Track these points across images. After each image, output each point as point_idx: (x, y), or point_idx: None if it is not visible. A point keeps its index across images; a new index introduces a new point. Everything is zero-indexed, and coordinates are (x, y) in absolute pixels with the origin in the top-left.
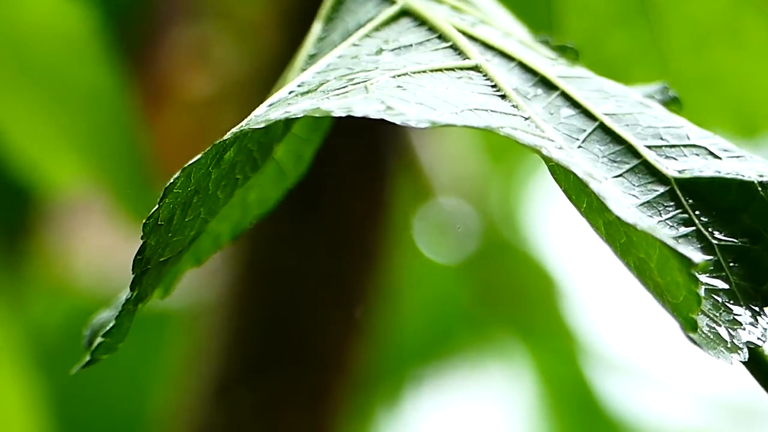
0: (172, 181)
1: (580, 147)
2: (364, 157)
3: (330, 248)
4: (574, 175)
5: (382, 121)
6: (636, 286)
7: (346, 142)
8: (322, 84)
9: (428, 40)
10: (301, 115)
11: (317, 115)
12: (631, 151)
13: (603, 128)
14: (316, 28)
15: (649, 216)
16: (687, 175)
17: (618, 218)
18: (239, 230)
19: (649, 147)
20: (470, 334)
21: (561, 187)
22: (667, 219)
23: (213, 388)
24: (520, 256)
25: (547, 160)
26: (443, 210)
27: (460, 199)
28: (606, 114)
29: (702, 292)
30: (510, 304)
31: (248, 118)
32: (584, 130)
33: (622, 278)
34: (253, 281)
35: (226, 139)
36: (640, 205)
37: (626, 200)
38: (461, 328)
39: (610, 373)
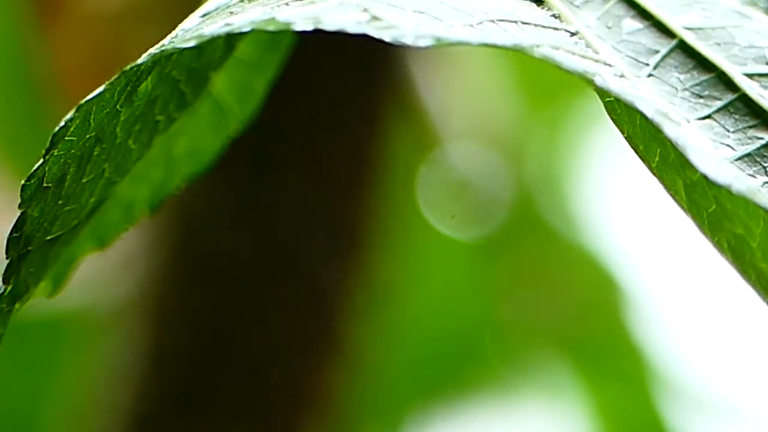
0: (62, 124)
1: (650, 75)
2: (343, 95)
3: (295, 227)
4: (642, 115)
5: (366, 39)
6: (730, 276)
7: (318, 72)
8: None
9: None
10: (249, 29)
11: (271, 28)
12: (723, 81)
13: (684, 48)
14: None
15: (751, 175)
16: None
17: (705, 178)
18: (161, 197)
19: (750, 75)
20: (499, 352)
21: (623, 134)
22: None
23: (125, 426)
24: (568, 245)
25: (603, 93)
26: (458, 170)
27: (484, 155)
28: (688, 28)
29: None
30: (555, 311)
31: (173, 33)
32: (657, 51)
33: (709, 275)
34: (182, 275)
35: (141, 64)
36: (738, 158)
37: (717, 152)
38: (486, 343)
39: (688, 407)
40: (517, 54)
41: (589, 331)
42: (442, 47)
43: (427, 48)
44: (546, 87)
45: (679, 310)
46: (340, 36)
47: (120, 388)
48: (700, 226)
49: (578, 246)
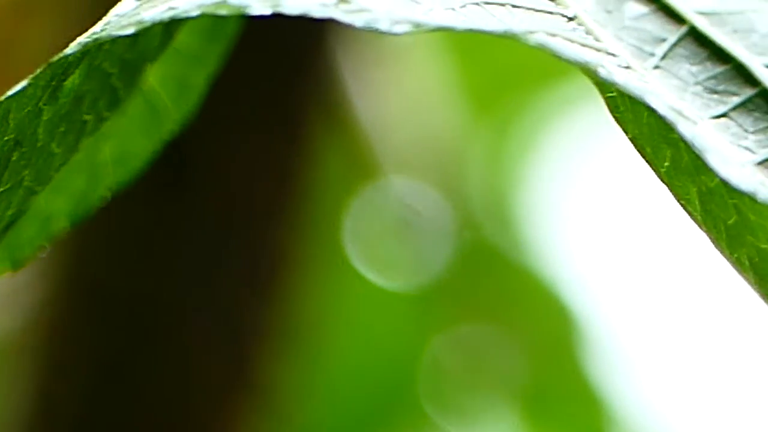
0: None
1: (657, 67)
2: (263, 107)
3: (205, 258)
4: (651, 112)
5: (288, 40)
6: (695, 307)
7: (234, 79)
8: None
9: None
10: (197, 13)
11: (223, 12)
12: (741, 74)
13: (695, 36)
14: None
15: None
16: None
17: (725, 184)
18: (83, 209)
19: None
20: (437, 400)
21: (627, 134)
22: None
23: None
24: (517, 273)
25: (604, 88)
26: (395, 200)
27: (423, 183)
28: (700, 12)
29: None
30: (503, 349)
31: (104, 20)
32: (664, 40)
33: (673, 306)
34: (74, 310)
35: (69, 55)
36: (759, 163)
37: (737, 154)
38: (420, 392)
39: None
40: (459, 55)
41: (540, 372)
42: (420, 32)
43: (403, 34)
44: (489, 90)
45: (641, 348)
46: (264, 36)
47: None
48: (717, 240)
49: (528, 271)
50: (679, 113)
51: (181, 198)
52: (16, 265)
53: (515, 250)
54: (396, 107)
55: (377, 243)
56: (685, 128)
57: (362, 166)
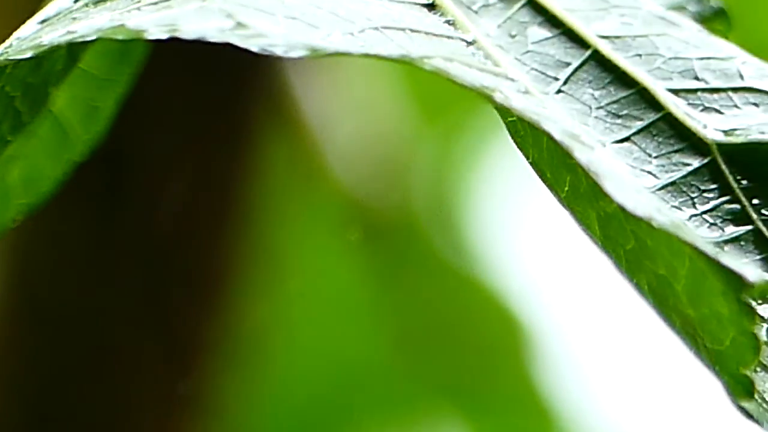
0: None
1: (560, 92)
2: (208, 108)
3: (148, 262)
4: (549, 136)
5: (232, 49)
6: (650, 323)
7: (177, 78)
8: None
9: None
10: (94, 37)
11: (120, 37)
12: (645, 98)
13: (599, 60)
14: None
15: (676, 207)
16: (738, 138)
17: (622, 209)
18: None
19: (676, 92)
20: (381, 408)
21: (528, 159)
22: (704, 212)
23: None
24: (463, 280)
25: (505, 112)
26: (341, 203)
27: (370, 185)
28: (604, 36)
29: (763, 333)
30: (447, 357)
31: (6, 43)
32: (568, 64)
33: (624, 314)
34: (11, 322)
35: None
36: (661, 187)
37: (637, 180)
38: (369, 397)
39: None
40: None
41: (486, 381)
42: (317, 58)
43: (299, 58)
44: (438, 97)
45: (589, 356)
46: (203, 45)
47: None
48: (618, 264)
49: (475, 281)
50: (576, 138)
51: (120, 207)
52: None
53: (461, 258)
54: (343, 112)
55: (325, 230)
56: (581, 154)
57: (308, 170)
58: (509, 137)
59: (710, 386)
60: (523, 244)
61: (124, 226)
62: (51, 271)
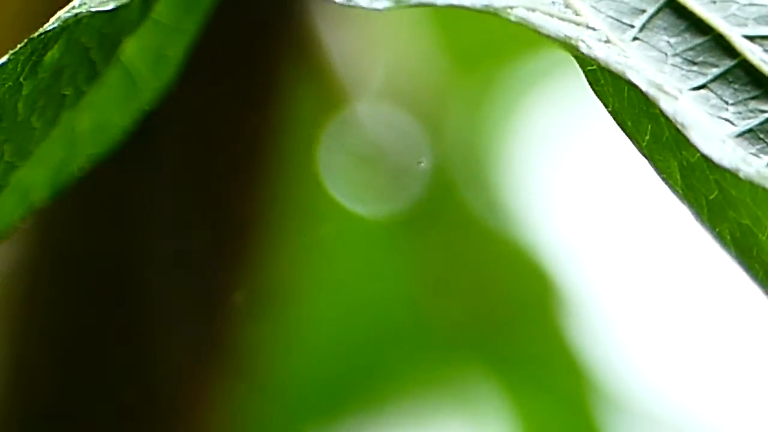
0: None
1: (635, 39)
2: (236, 58)
3: (175, 211)
4: (631, 85)
5: None
6: (678, 275)
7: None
8: None
9: None
10: None
11: None
12: (720, 45)
13: (673, 7)
14: None
15: (754, 154)
16: None
17: (706, 159)
18: (62, 179)
19: (752, 38)
20: (413, 361)
21: (608, 108)
22: None
23: None
24: (493, 235)
25: (584, 62)
26: (369, 138)
27: (399, 122)
28: None
29: None
30: (477, 312)
31: None
32: (642, 11)
33: (655, 273)
34: (43, 277)
35: (48, 31)
36: (739, 135)
37: (717, 127)
38: (398, 349)
39: (630, 424)
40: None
41: (516, 336)
42: (401, 8)
43: (382, 11)
44: (470, 51)
45: (621, 313)
46: None
47: None
48: (699, 215)
49: (505, 236)
50: (660, 88)
51: (149, 150)
52: None
53: (492, 214)
54: (373, 65)
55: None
56: (666, 104)
57: (339, 103)
58: (588, 86)
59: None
60: (556, 200)
61: (150, 174)
62: (77, 222)
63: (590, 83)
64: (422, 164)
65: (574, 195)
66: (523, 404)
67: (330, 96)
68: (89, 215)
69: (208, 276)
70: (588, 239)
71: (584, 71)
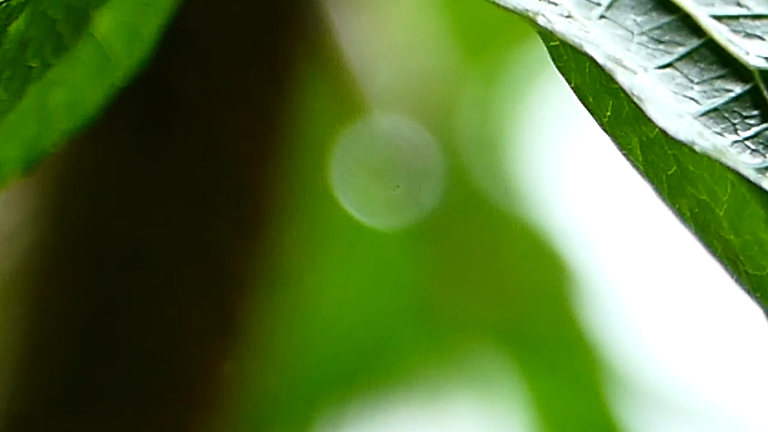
0: None
1: (602, 17)
2: (246, 44)
3: (189, 199)
4: (592, 61)
5: None
6: (692, 253)
7: (215, 15)
8: None
9: None
10: None
11: None
12: (687, 24)
13: None
14: None
15: (717, 132)
16: None
17: (664, 134)
18: (35, 155)
19: (718, 18)
20: (428, 345)
21: (570, 84)
22: (746, 138)
23: None
24: (508, 220)
25: (547, 37)
26: (382, 138)
27: (411, 116)
28: None
29: None
30: (493, 296)
31: None
32: None
33: (671, 255)
34: (60, 255)
35: (12, 0)
36: (703, 113)
37: (679, 105)
38: (412, 335)
39: (644, 407)
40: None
41: (532, 320)
42: None
43: None
44: (480, 35)
45: (635, 296)
46: None
47: None
48: (659, 190)
49: (520, 221)
50: (619, 63)
51: (166, 140)
52: None
53: (505, 197)
54: (384, 48)
55: (364, 184)
56: (624, 78)
57: (349, 105)
58: (551, 63)
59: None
60: (569, 183)
61: (165, 158)
62: (93, 202)
63: (553, 59)
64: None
65: (589, 179)
66: (537, 388)
67: (341, 82)
68: (105, 196)
69: (223, 256)
70: (603, 223)
71: (547, 47)
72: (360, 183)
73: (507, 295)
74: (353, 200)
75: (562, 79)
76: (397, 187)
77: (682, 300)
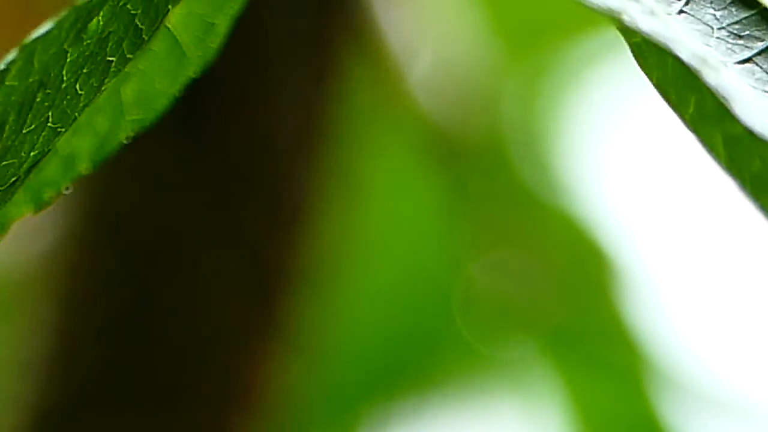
0: (2, 67)
1: (681, 12)
2: (293, 45)
3: (229, 190)
4: (674, 59)
5: None
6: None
7: (266, 14)
8: None
9: None
10: None
11: None
12: (766, 19)
13: None
14: None
15: None
16: None
17: (748, 132)
18: (107, 149)
19: None
20: (466, 340)
21: (652, 80)
22: None
23: (29, 424)
24: (549, 211)
25: (629, 34)
26: (425, 130)
27: (455, 104)
28: None
29: None
30: (532, 289)
31: None
32: None
33: (713, 252)
34: (95, 246)
35: None
36: None
37: (762, 100)
38: (453, 332)
39: (687, 403)
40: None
41: (572, 313)
42: None
43: None
44: (526, 31)
45: (677, 290)
46: None
47: (23, 379)
48: (742, 186)
49: (561, 212)
50: (703, 60)
51: (204, 133)
52: (38, 205)
53: (548, 190)
54: (428, 41)
55: (406, 176)
56: (709, 76)
57: (392, 97)
58: (632, 58)
59: None
60: (611, 177)
61: (204, 151)
62: (131, 196)
63: (635, 56)
64: (474, 140)
65: (630, 171)
66: (577, 382)
67: (385, 75)
68: (143, 189)
69: (262, 252)
70: (644, 215)
71: (629, 43)
72: (403, 177)
73: (547, 287)
74: (396, 195)
75: (607, 74)
76: (439, 173)
77: (727, 296)
